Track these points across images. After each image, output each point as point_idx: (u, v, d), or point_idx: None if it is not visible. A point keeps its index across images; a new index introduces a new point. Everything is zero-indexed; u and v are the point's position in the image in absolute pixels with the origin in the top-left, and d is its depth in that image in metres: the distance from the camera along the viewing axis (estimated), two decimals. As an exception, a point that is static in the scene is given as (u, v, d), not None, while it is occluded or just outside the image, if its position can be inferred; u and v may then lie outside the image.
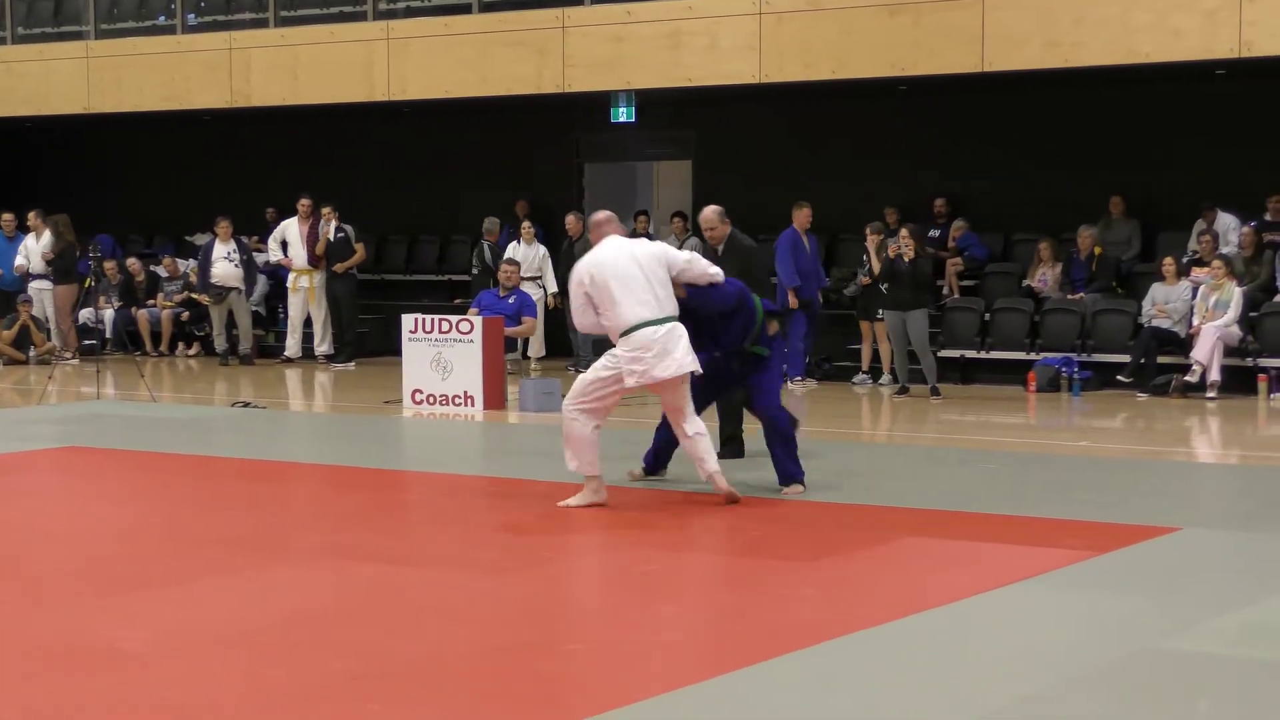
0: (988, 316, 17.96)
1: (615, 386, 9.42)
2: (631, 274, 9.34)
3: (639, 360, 9.30)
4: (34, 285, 20.86)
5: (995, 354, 17.69)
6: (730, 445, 11.46)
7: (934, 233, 18.78)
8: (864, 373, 17.54)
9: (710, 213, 11.42)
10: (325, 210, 19.81)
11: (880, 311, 16.70)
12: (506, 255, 18.26)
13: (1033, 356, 17.32)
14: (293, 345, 20.07)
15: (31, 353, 20.28)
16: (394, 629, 6.68)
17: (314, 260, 19.79)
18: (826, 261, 18.71)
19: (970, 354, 17.79)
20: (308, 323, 20.01)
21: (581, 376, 9.60)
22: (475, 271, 19.42)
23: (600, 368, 9.48)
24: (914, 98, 18.87)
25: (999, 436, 13.61)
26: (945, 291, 18.53)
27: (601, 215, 9.78)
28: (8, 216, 21.56)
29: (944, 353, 17.51)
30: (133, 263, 22.02)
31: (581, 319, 9.64)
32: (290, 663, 6.14)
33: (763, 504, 9.70)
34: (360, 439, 13.33)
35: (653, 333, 9.29)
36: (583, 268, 9.51)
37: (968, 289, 18.63)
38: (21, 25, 22.83)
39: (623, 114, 20.17)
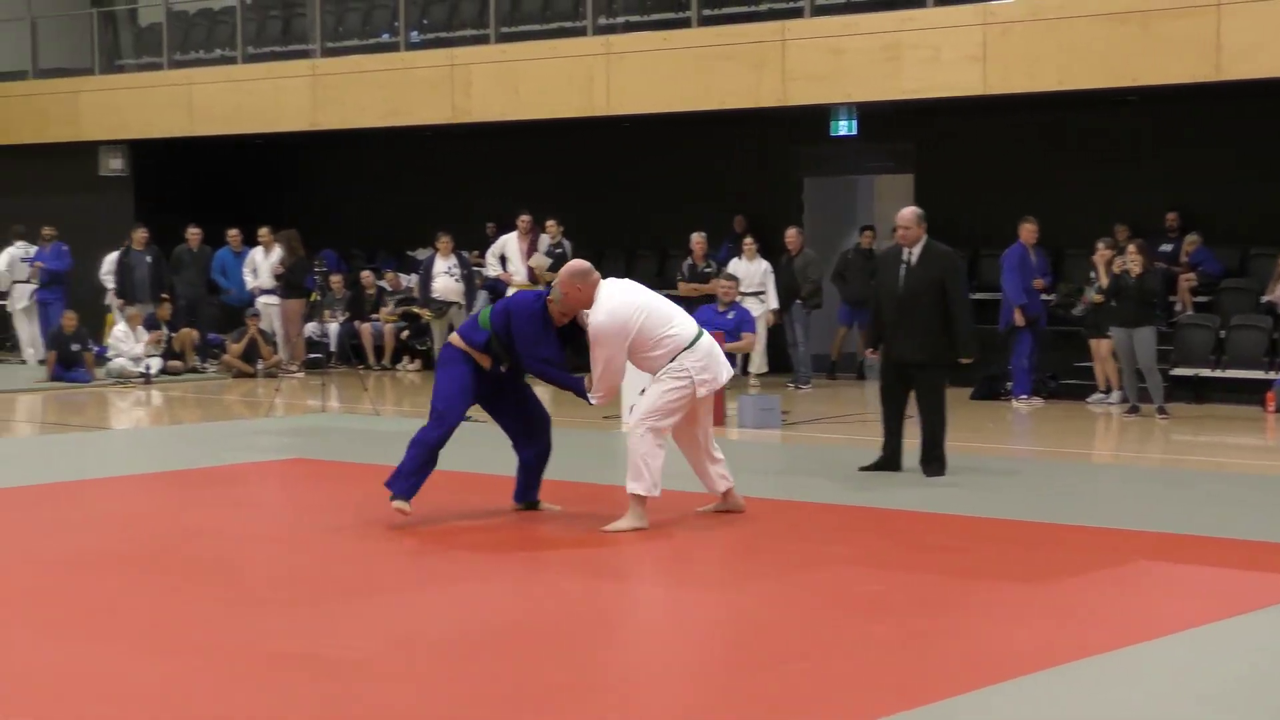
0: (1223, 334, 17.47)
1: (687, 399, 9.40)
2: (657, 297, 9.62)
3: (708, 369, 9.40)
4: (262, 300, 21.42)
5: (1231, 372, 17.19)
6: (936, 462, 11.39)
7: (1165, 247, 18.33)
8: (1101, 391, 17.16)
9: (909, 213, 11.35)
10: (549, 224, 20.01)
11: (1108, 328, 16.35)
12: (727, 270, 18.25)
13: (1271, 375, 16.79)
14: (511, 360, 20.29)
15: (259, 366, 20.82)
16: (609, 643, 6.71)
17: (533, 276, 20.02)
18: (1053, 277, 18.37)
19: (1204, 372, 17.31)
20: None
21: (650, 393, 9.44)
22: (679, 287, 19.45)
23: (671, 383, 9.37)
24: (1144, 108, 18.45)
25: (1233, 458, 13.23)
26: (1178, 308, 18.07)
27: (585, 265, 9.50)
28: (234, 232, 22.20)
29: (1176, 371, 17.08)
30: (366, 275, 22.49)
31: (619, 361, 9.38)
32: (509, 674, 6.20)
33: (985, 524, 9.55)
34: (578, 454, 13.38)
35: (709, 342, 9.52)
36: (628, 304, 9.36)
37: (1201, 305, 18.14)
38: (251, 45, 23.49)
39: (843, 127, 20.05)
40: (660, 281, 21.61)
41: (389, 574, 8.27)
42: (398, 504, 9.43)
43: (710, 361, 9.44)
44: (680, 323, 9.49)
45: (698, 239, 19.26)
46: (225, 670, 6.32)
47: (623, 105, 19.77)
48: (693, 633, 7.00)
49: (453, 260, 20.50)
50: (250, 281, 21.64)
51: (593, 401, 9.50)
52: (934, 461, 11.38)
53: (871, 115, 19.69)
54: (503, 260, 20.38)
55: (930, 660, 6.52)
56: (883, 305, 11.53)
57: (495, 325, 9.48)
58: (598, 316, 9.28)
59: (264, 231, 21.64)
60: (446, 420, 9.49)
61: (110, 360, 20.27)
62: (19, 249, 23.00)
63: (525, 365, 9.58)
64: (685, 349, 9.39)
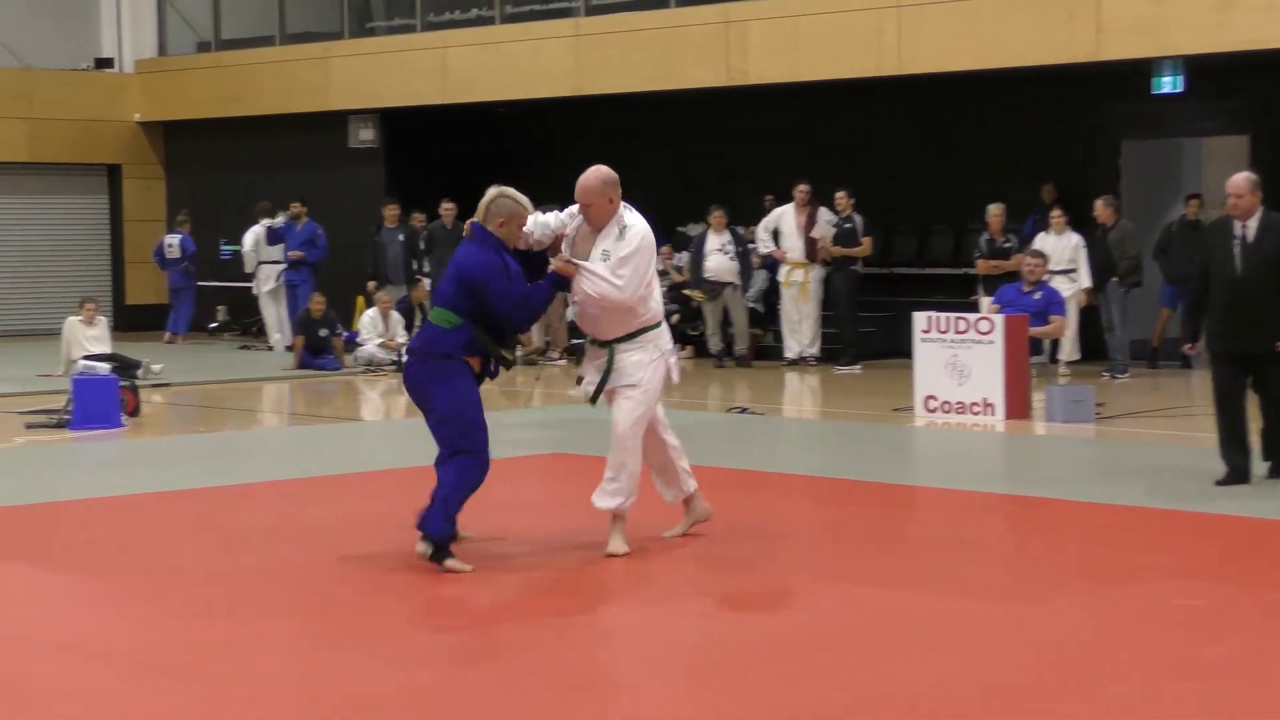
0: None
1: (663, 387, 9.08)
2: None
3: (673, 351, 9.17)
4: (518, 282, 21.70)
5: None
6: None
7: None
8: None
9: (1242, 180, 10.78)
10: (839, 196, 19.94)
11: None
12: (1033, 246, 17.97)
13: None
14: (793, 346, 20.30)
15: (518, 353, 21.15)
16: (894, 659, 6.67)
17: (811, 253, 19.97)
18: None
19: None
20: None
21: (636, 390, 8.87)
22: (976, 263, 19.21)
23: (653, 371, 8.92)
24: None
25: None
26: None
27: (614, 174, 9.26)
28: (493, 208, 22.51)
29: None
30: (633, 253, 22.69)
31: (643, 289, 8.98)
32: (787, 691, 6.20)
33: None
34: (865, 450, 13.37)
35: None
36: (650, 233, 9.18)
37: None
38: (510, 4, 23.82)
39: (1166, 84, 19.57)
40: (957, 259, 21.43)
41: (650, 580, 8.32)
42: (454, 564, 8.45)
43: (671, 345, 9.17)
44: (658, 294, 9.22)
45: (995, 211, 18.98)
46: (480, 682, 6.44)
47: (915, 64, 19.58)
48: (989, 650, 6.91)
49: (726, 237, 20.53)
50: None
51: (611, 292, 8.85)
52: None
53: (1200, 69, 19.18)
54: (775, 236, 20.36)
55: (1270, 686, 6.34)
56: (1212, 288, 10.98)
57: (465, 310, 8.65)
58: (639, 225, 9.11)
59: (524, 207, 21.90)
60: (485, 453, 8.68)
61: (360, 346, 20.79)
62: (265, 227, 23.73)
63: (518, 324, 9.15)
64: (658, 325, 9.07)
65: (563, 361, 20.72)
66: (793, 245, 20.16)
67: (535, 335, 21.33)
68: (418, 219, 22.66)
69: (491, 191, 8.90)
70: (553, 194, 22.35)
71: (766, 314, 21.62)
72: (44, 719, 6.10)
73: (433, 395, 8.59)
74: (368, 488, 11.59)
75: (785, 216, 20.33)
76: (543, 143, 25.65)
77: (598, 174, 9.07)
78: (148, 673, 6.72)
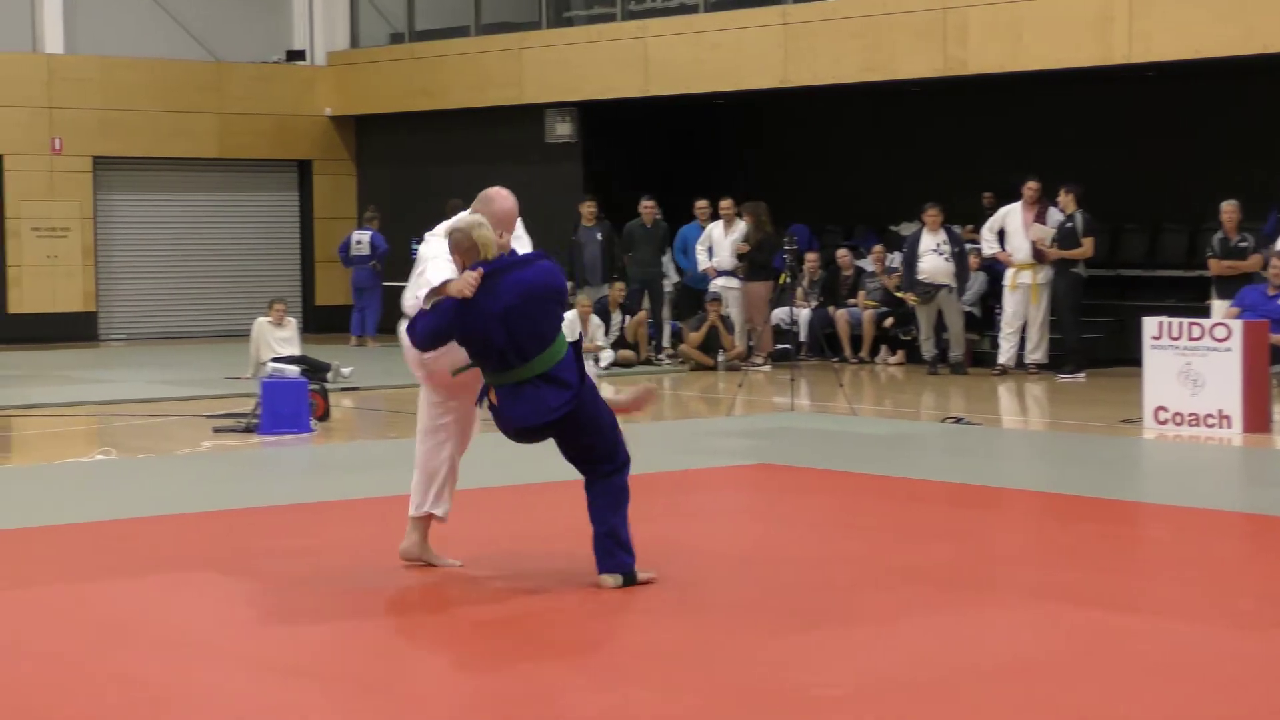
0: None
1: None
2: None
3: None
4: (720, 282, 21.74)
5: None
6: None
7: None
8: None
9: None
10: (1062, 194, 19.66)
11: None
12: (1276, 246, 17.60)
13: None
14: (1007, 352, 20.11)
15: (720, 357, 21.20)
16: (1113, 689, 6.58)
17: (1038, 254, 19.76)
18: None
19: None
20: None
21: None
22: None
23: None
24: None
25: None
26: None
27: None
28: (702, 204, 22.44)
29: None
30: (842, 255, 22.63)
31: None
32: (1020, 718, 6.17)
33: None
34: (1090, 463, 13.20)
35: None
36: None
37: None
38: (716, -9, 23.87)
39: None
40: (1191, 261, 21.07)
41: (866, 600, 8.29)
42: (644, 576, 8.48)
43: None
44: None
45: (1228, 208, 18.62)
46: (691, 701, 6.47)
47: (1147, 52, 19.29)
48: (1232, 682, 6.79)
49: (942, 236, 20.40)
50: (704, 261, 21.97)
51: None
52: None
53: None
54: (1001, 236, 20.18)
55: None
56: None
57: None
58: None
59: (726, 204, 21.95)
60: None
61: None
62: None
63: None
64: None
65: (767, 367, 20.70)
66: (1020, 245, 19.95)
67: (739, 340, 21.34)
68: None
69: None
70: (757, 189, 22.49)
71: (983, 318, 21.44)
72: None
73: (597, 416, 8.52)
74: (546, 499, 11.56)
75: (1011, 215, 20.12)
76: (751, 138, 25.68)
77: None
78: (346, 688, 6.84)
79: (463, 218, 8.50)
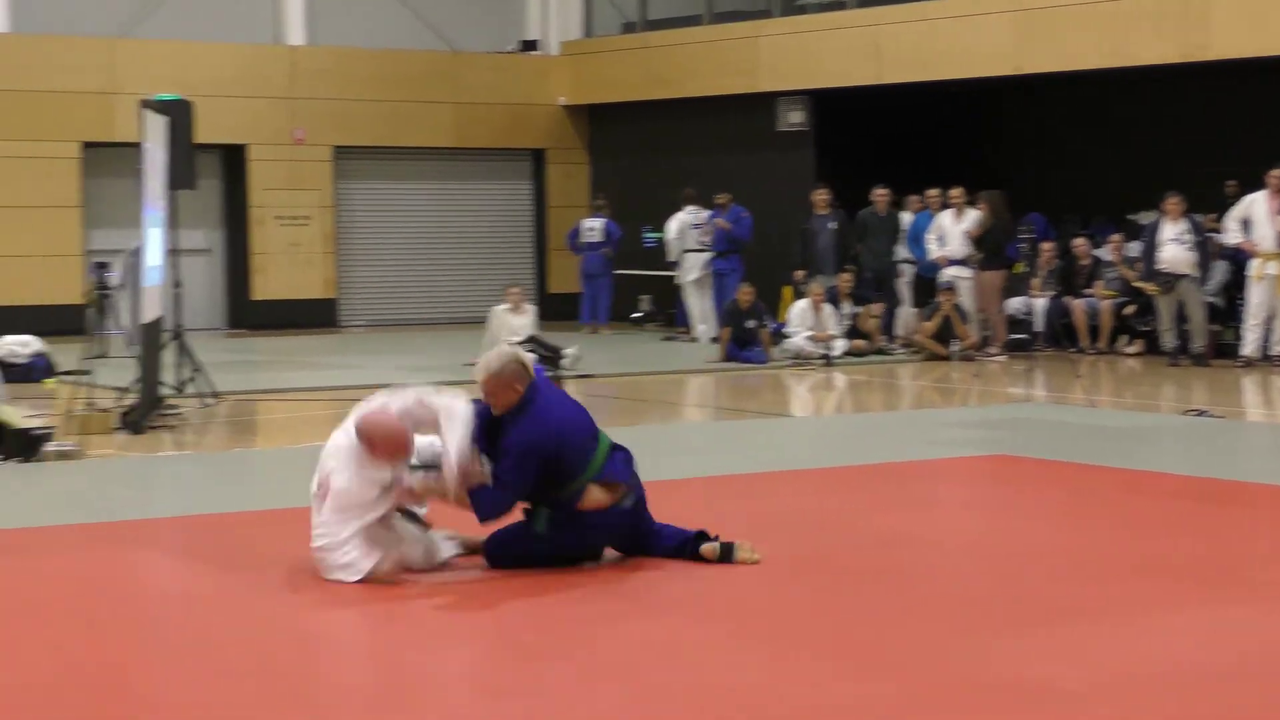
0: None
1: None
2: None
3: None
4: (951, 271, 21.65)
5: None
6: None
7: None
8: None
9: None
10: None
11: None
12: None
13: None
14: (1252, 343, 19.75)
15: (954, 347, 21.10)
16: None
17: (1283, 242, 19.41)
18: None
19: None
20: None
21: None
22: None
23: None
24: None
25: None
26: None
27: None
28: (934, 192, 22.39)
29: None
30: (1079, 244, 22.38)
31: None
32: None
33: None
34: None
35: None
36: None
37: None
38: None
39: None
40: None
41: (1103, 594, 8.24)
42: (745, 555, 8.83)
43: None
44: None
45: None
46: (927, 695, 6.51)
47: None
48: None
49: (1183, 225, 20.11)
50: (934, 250, 21.90)
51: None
52: None
53: None
54: (1245, 225, 19.83)
55: None
56: None
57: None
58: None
59: (956, 192, 21.83)
60: None
61: (787, 338, 21.00)
62: (689, 214, 24.13)
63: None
64: None
65: (1002, 358, 20.55)
66: (1265, 235, 19.59)
67: (973, 329, 21.22)
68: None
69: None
70: (994, 180, 22.30)
71: (1227, 309, 21.08)
72: None
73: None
74: (786, 487, 11.64)
75: (1256, 204, 19.77)
76: (984, 126, 25.51)
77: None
78: (583, 670, 6.98)
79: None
